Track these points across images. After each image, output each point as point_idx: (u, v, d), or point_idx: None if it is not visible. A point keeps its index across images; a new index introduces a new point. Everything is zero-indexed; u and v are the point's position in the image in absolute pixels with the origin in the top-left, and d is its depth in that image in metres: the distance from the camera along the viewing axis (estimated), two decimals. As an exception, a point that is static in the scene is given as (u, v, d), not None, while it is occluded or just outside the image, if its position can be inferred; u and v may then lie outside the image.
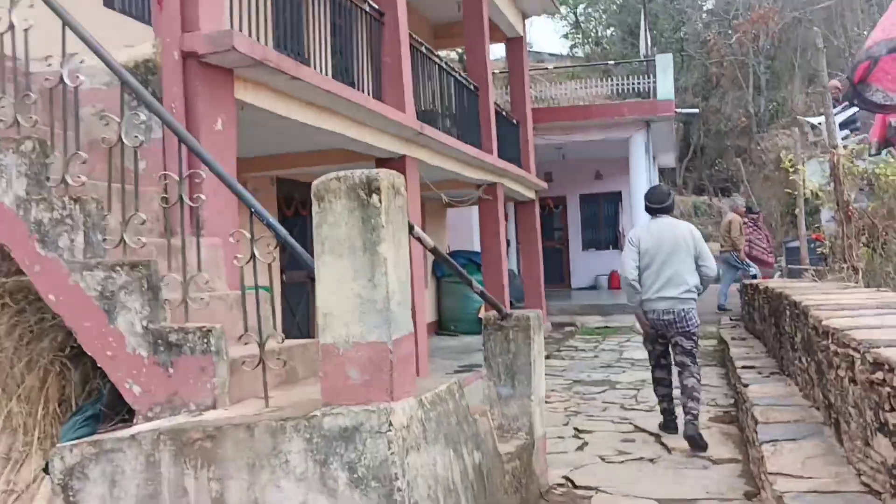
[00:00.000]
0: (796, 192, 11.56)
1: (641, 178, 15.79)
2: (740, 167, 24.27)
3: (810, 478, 3.42)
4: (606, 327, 14.33)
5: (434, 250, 4.11)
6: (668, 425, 6.59)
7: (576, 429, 6.91)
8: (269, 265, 3.40)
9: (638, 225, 7.58)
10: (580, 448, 6.32)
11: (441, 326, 14.20)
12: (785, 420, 4.48)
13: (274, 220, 3.50)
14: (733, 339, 9.69)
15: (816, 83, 29.07)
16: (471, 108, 10.81)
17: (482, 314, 13.33)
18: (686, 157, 30.17)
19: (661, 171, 22.24)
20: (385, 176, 3.21)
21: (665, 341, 6.42)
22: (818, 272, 9.47)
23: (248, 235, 3.40)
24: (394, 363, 3.29)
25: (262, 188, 9.01)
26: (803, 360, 4.92)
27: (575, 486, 5.36)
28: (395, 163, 7.90)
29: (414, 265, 6.71)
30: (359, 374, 3.22)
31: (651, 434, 6.64)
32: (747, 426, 5.75)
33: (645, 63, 18.44)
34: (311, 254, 3.25)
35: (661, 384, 6.60)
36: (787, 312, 5.55)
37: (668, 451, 6.12)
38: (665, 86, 16.23)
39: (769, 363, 7.02)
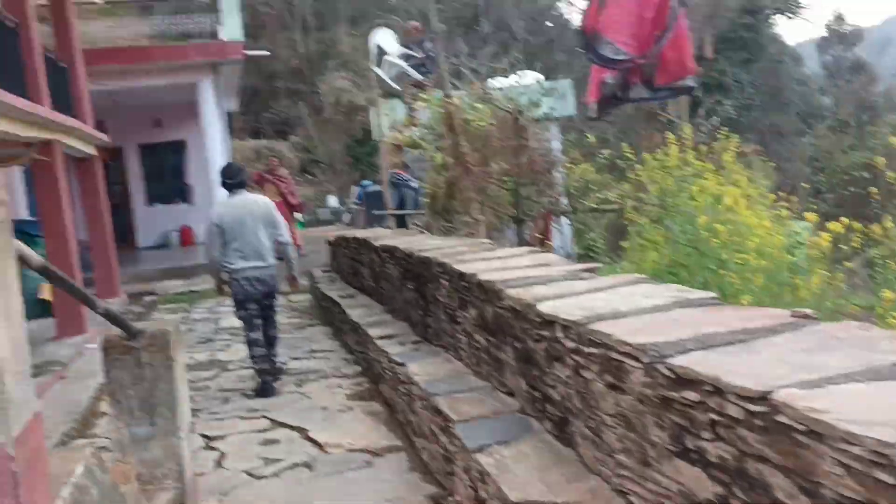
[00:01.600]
0: (370, 138, 11.34)
1: (214, 127, 14.58)
2: (302, 110, 24.11)
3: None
4: (192, 292, 13.09)
5: (44, 269, 2.81)
6: (266, 389, 6.77)
7: (204, 436, 5.83)
8: None
9: (217, 203, 8.17)
10: (219, 464, 5.30)
11: (-11, 313, 11.65)
12: (481, 415, 3.98)
13: None
14: (342, 296, 9.22)
15: (360, 24, 29.98)
16: (10, 49, 8.70)
17: (45, 294, 11.22)
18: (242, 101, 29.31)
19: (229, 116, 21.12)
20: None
21: (256, 304, 6.98)
22: (427, 226, 9.32)
23: None
24: (18, 474, 2.09)
25: None
26: (478, 338, 4.48)
27: (234, 522, 4.38)
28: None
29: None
30: (-39, 502, 1.98)
31: (293, 428, 5.85)
32: (409, 411, 5.25)
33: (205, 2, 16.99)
34: None
35: (258, 345, 6.97)
36: (445, 282, 5.08)
37: (323, 449, 5.39)
38: (232, 26, 15.04)
39: (403, 329, 6.61)
